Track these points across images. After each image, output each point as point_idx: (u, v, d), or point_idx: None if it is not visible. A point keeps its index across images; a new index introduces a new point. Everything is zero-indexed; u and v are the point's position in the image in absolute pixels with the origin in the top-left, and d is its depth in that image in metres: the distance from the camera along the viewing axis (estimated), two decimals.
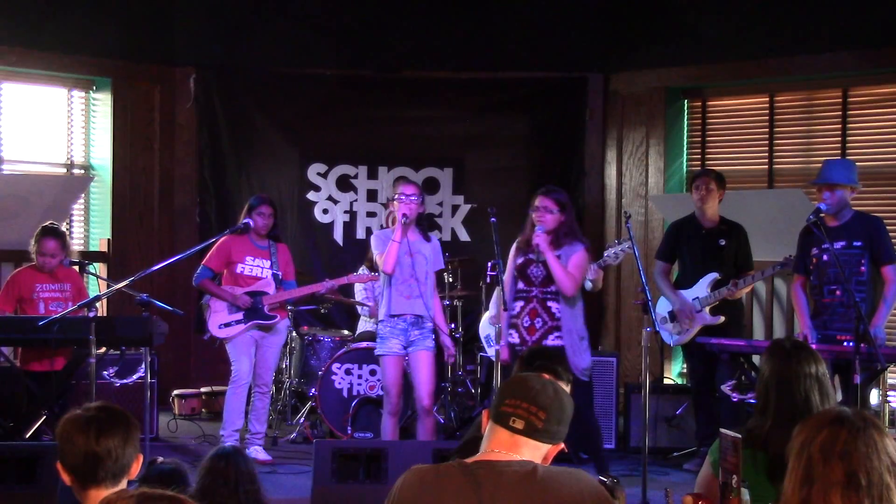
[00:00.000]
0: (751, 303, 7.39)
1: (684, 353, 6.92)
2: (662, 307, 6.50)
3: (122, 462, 2.56)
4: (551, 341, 5.59)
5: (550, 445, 2.34)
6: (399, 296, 5.83)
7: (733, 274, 6.19)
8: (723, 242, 6.29)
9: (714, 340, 6.07)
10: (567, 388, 3.18)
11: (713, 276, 6.23)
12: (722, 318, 6.19)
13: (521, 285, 5.73)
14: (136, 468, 2.62)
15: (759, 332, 7.38)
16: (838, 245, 5.54)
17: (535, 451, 2.32)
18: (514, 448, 2.30)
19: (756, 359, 5.97)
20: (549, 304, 5.63)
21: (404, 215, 5.80)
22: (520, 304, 5.70)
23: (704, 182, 6.31)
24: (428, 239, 6.01)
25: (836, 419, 2.26)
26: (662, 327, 6.48)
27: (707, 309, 6.23)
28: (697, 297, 6.26)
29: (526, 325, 5.65)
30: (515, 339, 5.68)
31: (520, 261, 5.74)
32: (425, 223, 6.09)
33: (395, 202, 5.89)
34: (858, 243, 5.56)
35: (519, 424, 2.30)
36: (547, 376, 2.44)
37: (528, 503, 2.22)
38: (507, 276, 6.47)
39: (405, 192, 5.87)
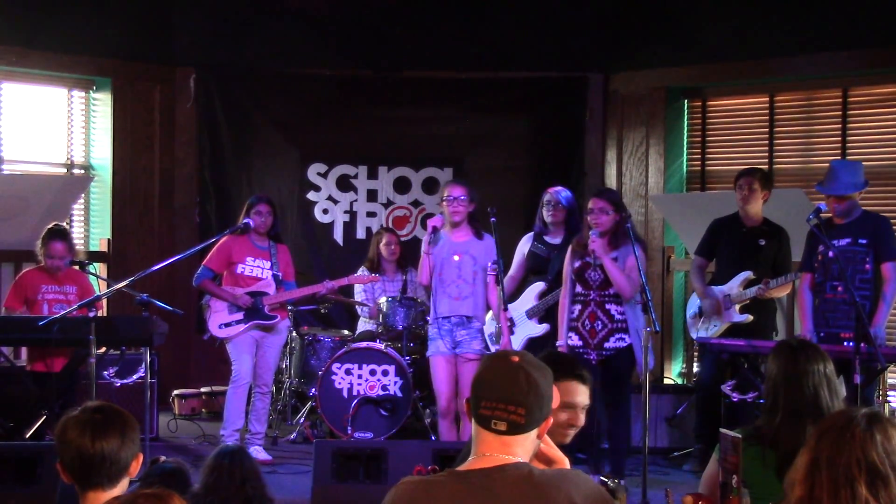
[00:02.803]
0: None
1: (701, 350, 6.89)
2: (694, 302, 6.50)
3: (118, 465, 2.54)
4: (613, 343, 5.61)
5: (540, 426, 2.28)
6: (447, 297, 5.85)
7: (769, 275, 6.09)
8: (763, 242, 6.21)
9: (714, 340, 6.07)
10: (588, 392, 3.14)
11: (746, 274, 6.18)
12: (750, 317, 6.15)
13: (578, 289, 5.72)
14: (135, 468, 2.61)
15: None
16: (843, 242, 5.55)
17: (525, 442, 2.27)
18: (503, 448, 2.24)
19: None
20: (608, 306, 5.64)
21: (434, 227, 5.85)
22: (577, 307, 5.70)
23: (748, 182, 6.21)
24: (480, 237, 5.96)
25: (845, 411, 2.32)
26: (691, 321, 6.49)
27: (737, 307, 6.21)
28: (728, 294, 6.22)
29: (587, 328, 5.66)
30: (577, 341, 5.68)
31: (577, 264, 5.73)
32: (478, 222, 6.00)
33: (443, 203, 5.90)
34: (863, 241, 5.57)
35: (501, 426, 2.23)
36: (516, 359, 2.29)
37: None
38: (512, 272, 6.51)
39: (453, 194, 5.87)
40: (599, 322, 5.64)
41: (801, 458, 2.24)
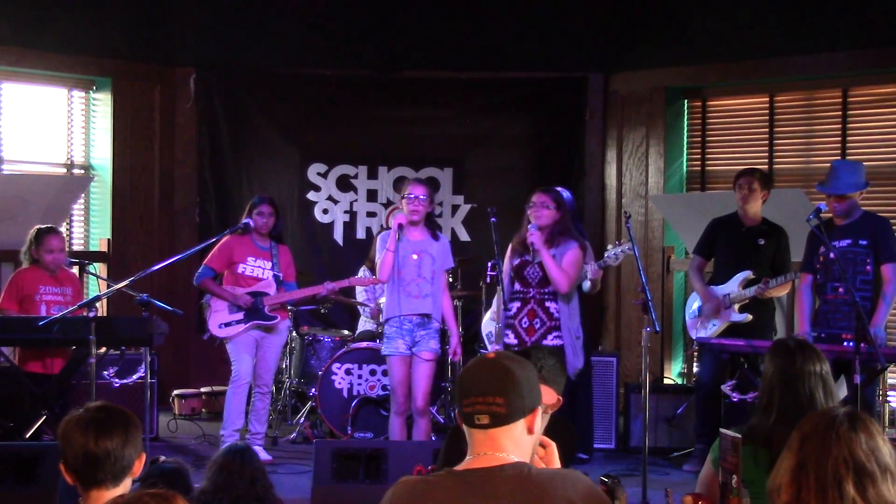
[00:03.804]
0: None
1: (701, 350, 6.90)
2: (694, 301, 6.51)
3: (122, 463, 2.55)
4: (550, 341, 5.60)
5: (526, 417, 2.28)
6: (406, 296, 5.81)
7: (768, 275, 6.10)
8: (762, 242, 6.22)
9: (714, 340, 6.07)
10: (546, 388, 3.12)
11: (746, 273, 6.19)
12: (749, 317, 6.15)
13: (517, 286, 5.73)
14: (138, 467, 2.61)
15: None
16: (844, 243, 5.55)
17: (513, 434, 2.26)
18: (493, 444, 2.25)
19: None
20: (547, 304, 5.64)
21: (400, 225, 5.82)
22: (516, 304, 5.70)
23: (747, 182, 6.22)
24: (436, 238, 5.97)
25: (822, 412, 2.32)
26: (690, 321, 6.49)
27: (736, 306, 6.21)
28: (728, 294, 6.22)
29: (524, 325, 5.66)
30: (512, 339, 5.67)
31: (516, 262, 5.75)
32: (434, 222, 6.06)
33: (403, 201, 5.90)
34: (864, 242, 5.57)
35: (484, 420, 2.24)
36: (491, 356, 2.34)
37: None
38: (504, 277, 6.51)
39: (413, 192, 5.84)
40: (538, 320, 5.65)
41: (784, 462, 2.24)
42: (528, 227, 5.66)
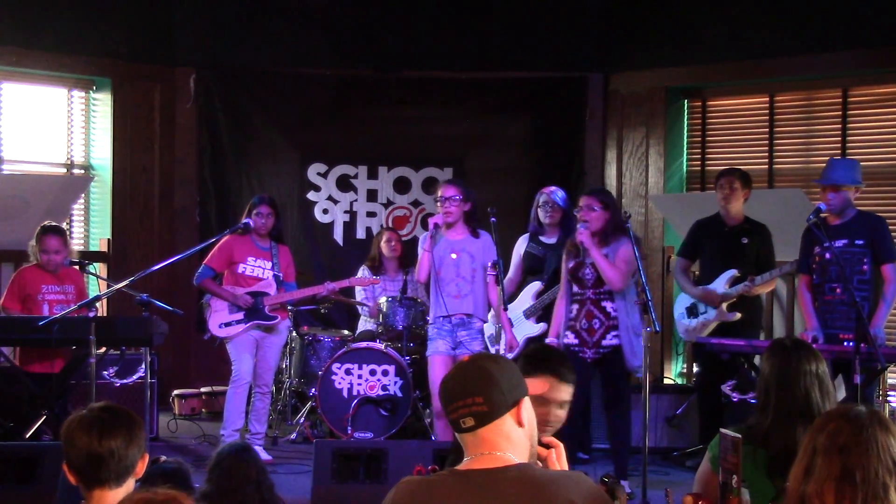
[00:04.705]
0: None
1: (695, 350, 6.91)
2: (681, 302, 6.51)
3: (125, 462, 2.56)
4: (609, 340, 5.63)
5: (511, 411, 2.27)
6: (447, 296, 5.85)
7: (753, 273, 6.12)
8: (745, 241, 6.23)
9: (714, 340, 6.07)
10: (569, 390, 3.09)
11: (732, 272, 6.20)
12: (738, 315, 6.17)
13: (575, 288, 5.74)
14: (142, 467, 2.62)
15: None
16: (840, 243, 5.55)
17: (502, 430, 2.25)
18: (487, 443, 2.24)
19: (757, 359, 5.99)
20: (604, 304, 5.65)
21: (436, 224, 5.85)
22: (575, 306, 5.72)
23: (728, 181, 6.25)
24: (477, 235, 6.00)
25: (844, 414, 2.26)
26: (680, 322, 6.50)
27: (724, 305, 6.22)
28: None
29: (584, 326, 5.66)
30: (573, 339, 5.68)
31: (571, 264, 5.75)
32: (475, 220, 6.03)
33: (437, 204, 5.92)
34: (860, 242, 5.57)
35: (470, 422, 2.24)
36: (466, 359, 2.36)
37: None
38: (510, 275, 6.51)
39: (445, 194, 5.90)
40: (597, 320, 5.65)
41: (823, 471, 2.17)
42: (578, 226, 5.66)
